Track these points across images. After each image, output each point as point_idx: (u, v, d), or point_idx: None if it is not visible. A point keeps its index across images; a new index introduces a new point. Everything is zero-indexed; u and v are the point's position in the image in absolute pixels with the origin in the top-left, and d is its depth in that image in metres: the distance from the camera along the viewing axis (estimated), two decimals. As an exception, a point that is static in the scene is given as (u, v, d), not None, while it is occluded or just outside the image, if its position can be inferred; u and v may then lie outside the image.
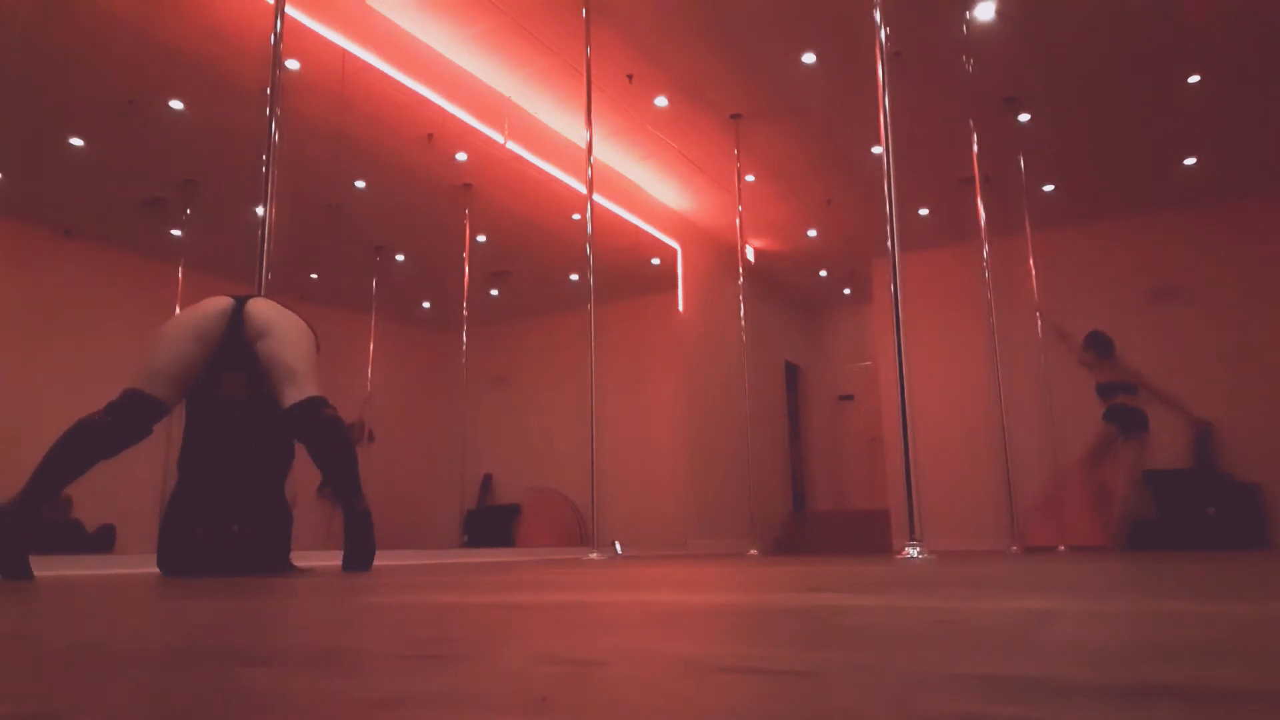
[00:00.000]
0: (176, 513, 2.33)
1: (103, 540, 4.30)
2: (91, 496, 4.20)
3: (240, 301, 2.42)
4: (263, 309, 2.41)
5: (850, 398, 11.32)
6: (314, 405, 2.33)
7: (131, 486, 4.01)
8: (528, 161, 6.55)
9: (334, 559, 3.64)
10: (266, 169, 3.36)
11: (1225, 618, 0.80)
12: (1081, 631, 0.68)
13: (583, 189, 5.07)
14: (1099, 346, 5.77)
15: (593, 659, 0.55)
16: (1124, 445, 5.58)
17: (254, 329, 2.37)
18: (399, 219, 6.74)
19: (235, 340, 2.37)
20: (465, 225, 6.81)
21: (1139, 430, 5.57)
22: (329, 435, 2.33)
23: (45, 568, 2.85)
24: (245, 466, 2.37)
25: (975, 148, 6.15)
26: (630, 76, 6.00)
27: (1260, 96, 6.18)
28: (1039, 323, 6.91)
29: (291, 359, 2.35)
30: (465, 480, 7.28)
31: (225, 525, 2.28)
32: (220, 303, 2.39)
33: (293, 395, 2.32)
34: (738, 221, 7.22)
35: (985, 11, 5.32)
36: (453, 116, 5.90)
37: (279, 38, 3.57)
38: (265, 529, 2.36)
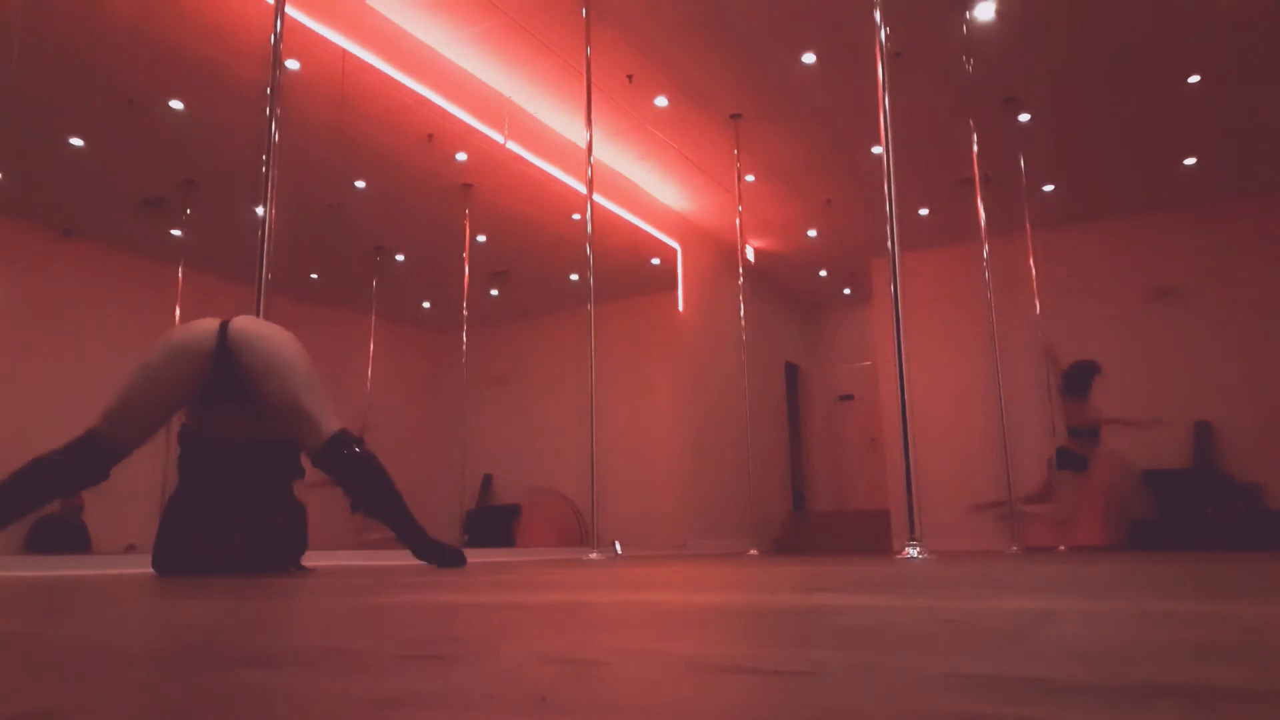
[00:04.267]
0: (175, 520, 2.25)
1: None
2: (113, 514, 4.20)
3: (224, 326, 2.26)
4: (247, 334, 2.26)
5: (850, 398, 11.32)
6: (338, 445, 2.24)
7: (150, 503, 4.00)
8: (528, 161, 6.55)
9: (333, 559, 3.64)
10: (266, 169, 3.36)
11: (1225, 618, 0.80)
12: (1081, 631, 0.68)
13: (583, 189, 5.07)
14: (1077, 389, 6.61)
15: (593, 659, 0.55)
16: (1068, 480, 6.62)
17: (249, 365, 2.22)
18: (399, 219, 6.74)
19: (226, 372, 2.23)
20: (465, 225, 6.82)
21: (1079, 469, 6.62)
22: (359, 473, 2.27)
23: (46, 568, 2.84)
24: (250, 471, 2.30)
25: (975, 148, 6.14)
26: (630, 76, 6.00)
27: (1260, 96, 6.18)
28: (1039, 336, 6.95)
29: (301, 397, 2.23)
30: (465, 480, 7.28)
31: (226, 536, 2.21)
32: (203, 340, 2.23)
33: (314, 440, 2.24)
34: (738, 221, 7.22)
35: (985, 11, 5.32)
36: (453, 116, 5.90)
37: (279, 38, 3.57)
38: (270, 537, 2.29)
